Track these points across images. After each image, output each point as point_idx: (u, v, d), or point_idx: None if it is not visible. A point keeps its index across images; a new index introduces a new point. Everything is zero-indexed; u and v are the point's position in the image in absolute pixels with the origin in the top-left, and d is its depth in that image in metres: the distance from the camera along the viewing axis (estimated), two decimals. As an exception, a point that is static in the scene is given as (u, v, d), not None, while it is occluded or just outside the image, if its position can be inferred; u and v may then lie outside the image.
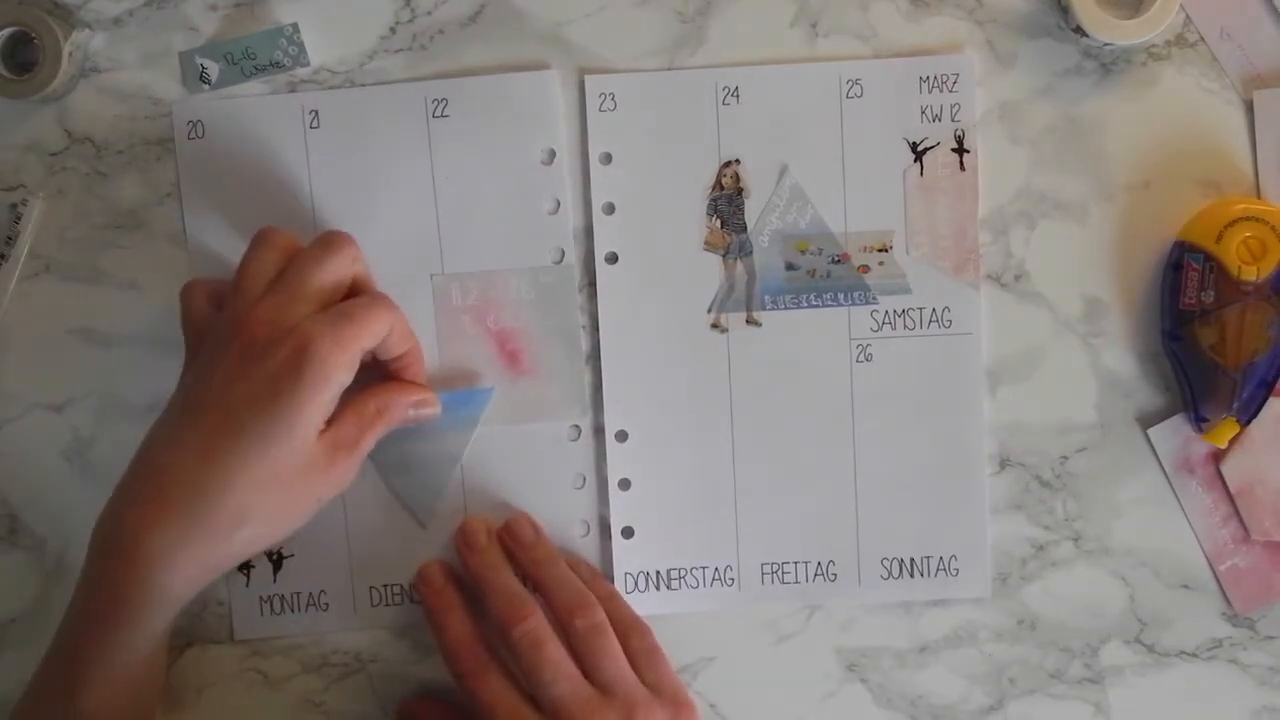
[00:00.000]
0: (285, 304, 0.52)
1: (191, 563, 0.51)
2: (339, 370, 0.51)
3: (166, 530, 0.50)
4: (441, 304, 0.60)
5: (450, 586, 0.58)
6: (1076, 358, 0.60)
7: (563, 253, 0.59)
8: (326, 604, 0.60)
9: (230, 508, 0.50)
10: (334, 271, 0.54)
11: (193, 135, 0.59)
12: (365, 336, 0.53)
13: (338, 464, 0.53)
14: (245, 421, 0.50)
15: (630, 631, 0.56)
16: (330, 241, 0.54)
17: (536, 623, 0.54)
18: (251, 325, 0.51)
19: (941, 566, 0.60)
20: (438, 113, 0.59)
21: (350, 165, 0.59)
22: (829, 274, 0.59)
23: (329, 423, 0.53)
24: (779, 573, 0.60)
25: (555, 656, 0.54)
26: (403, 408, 0.56)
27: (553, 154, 0.59)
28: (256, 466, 0.50)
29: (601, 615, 0.55)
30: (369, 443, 0.55)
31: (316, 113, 0.59)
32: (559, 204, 0.59)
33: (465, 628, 0.56)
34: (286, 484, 0.51)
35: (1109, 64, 0.59)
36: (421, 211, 0.59)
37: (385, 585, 0.60)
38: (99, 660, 0.51)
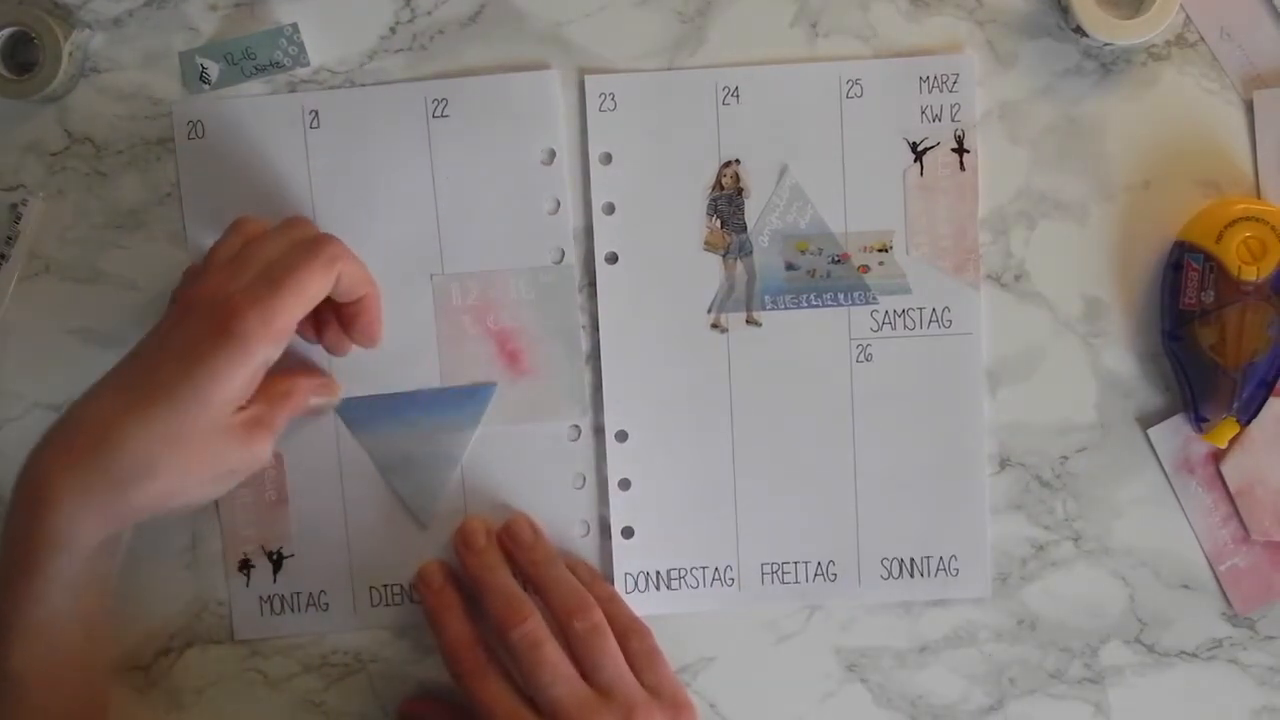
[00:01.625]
0: (228, 277, 0.52)
1: (93, 508, 0.50)
2: (263, 346, 0.51)
3: (70, 476, 0.50)
4: (441, 304, 0.59)
5: (450, 587, 0.58)
6: (1076, 358, 0.60)
7: (563, 253, 0.59)
8: (326, 604, 0.60)
9: (137, 455, 0.50)
10: (284, 249, 0.53)
11: (193, 135, 0.59)
12: (296, 307, 0.52)
13: (256, 439, 0.53)
14: (161, 376, 0.50)
15: (629, 633, 0.56)
16: (291, 222, 0.55)
17: (534, 624, 0.54)
18: (192, 294, 0.52)
19: (941, 566, 0.60)
20: (438, 113, 0.59)
21: (350, 165, 0.59)
22: (829, 274, 0.59)
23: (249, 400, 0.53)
24: (779, 573, 0.60)
25: (553, 658, 0.54)
26: (305, 392, 0.57)
27: (553, 154, 0.59)
28: (166, 420, 0.50)
29: (600, 616, 0.55)
30: (280, 423, 0.55)
31: (316, 113, 0.59)
32: (559, 204, 0.59)
33: (464, 628, 0.56)
34: (198, 444, 0.51)
35: (1109, 64, 0.59)
36: (421, 211, 0.59)
37: (385, 585, 0.60)
38: (17, 616, 0.50)
